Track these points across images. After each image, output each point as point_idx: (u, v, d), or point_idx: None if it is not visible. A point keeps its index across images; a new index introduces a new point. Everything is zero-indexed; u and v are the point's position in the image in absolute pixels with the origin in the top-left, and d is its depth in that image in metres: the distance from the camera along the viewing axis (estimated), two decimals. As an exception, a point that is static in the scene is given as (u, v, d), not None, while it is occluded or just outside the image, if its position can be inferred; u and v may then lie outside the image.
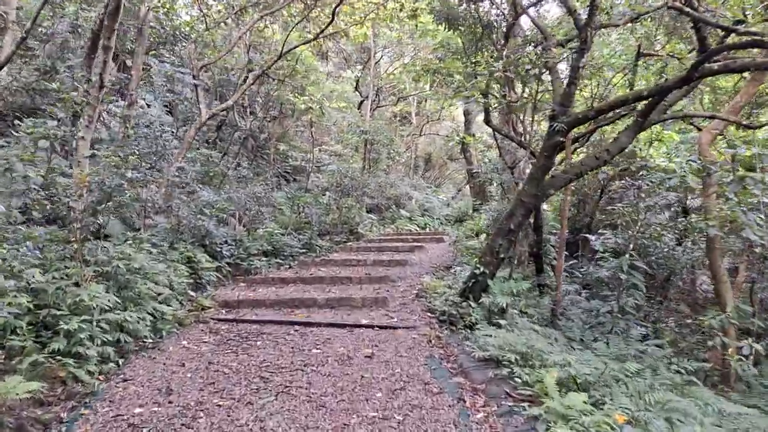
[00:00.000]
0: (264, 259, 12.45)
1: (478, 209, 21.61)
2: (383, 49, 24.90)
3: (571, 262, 12.08)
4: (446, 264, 12.98)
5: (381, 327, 7.32)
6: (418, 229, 22.72)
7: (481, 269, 7.75)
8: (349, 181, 18.06)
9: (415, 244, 16.06)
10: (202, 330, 7.32)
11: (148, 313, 6.94)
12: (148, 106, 18.09)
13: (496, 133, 13.75)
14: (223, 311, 8.17)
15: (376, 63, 24.43)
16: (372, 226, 19.79)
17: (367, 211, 20.30)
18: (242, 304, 8.44)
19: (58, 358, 5.19)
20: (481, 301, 7.74)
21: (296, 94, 17.77)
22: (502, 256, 7.84)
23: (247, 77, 19.20)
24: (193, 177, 13.80)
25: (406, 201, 25.60)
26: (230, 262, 11.51)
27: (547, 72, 10.00)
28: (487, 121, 11.78)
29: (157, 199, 11.04)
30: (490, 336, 5.86)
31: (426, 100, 29.77)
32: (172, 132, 16.71)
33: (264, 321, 7.52)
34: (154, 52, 15.92)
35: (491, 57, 12.14)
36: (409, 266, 12.48)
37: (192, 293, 9.19)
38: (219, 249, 11.30)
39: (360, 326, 7.33)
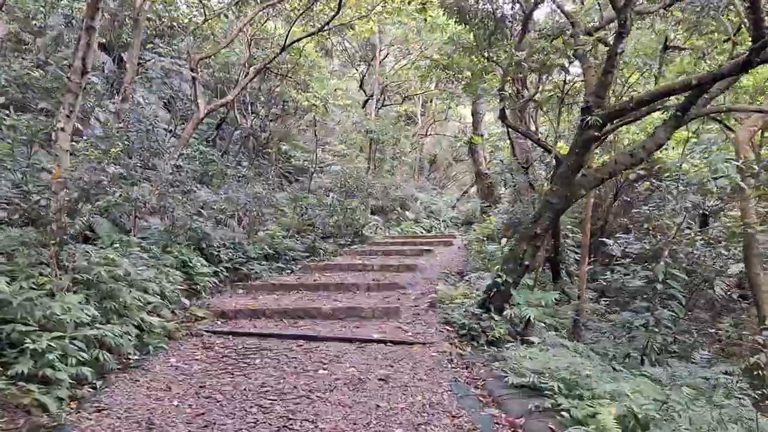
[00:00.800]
0: (265, 263, 11.69)
1: (486, 212, 20.83)
2: (389, 46, 24.15)
3: (586, 268, 11.32)
4: (458, 269, 12.21)
5: (395, 342, 6.54)
6: (423, 231, 21.96)
7: (504, 277, 6.98)
8: (354, 182, 17.31)
9: (424, 247, 15.29)
10: (195, 344, 6.54)
11: (134, 326, 6.17)
12: (146, 102, 17.38)
13: (510, 131, 12.99)
14: (219, 322, 7.39)
15: (381, 61, 23.69)
16: (377, 228, 19.05)
17: (372, 213, 19.55)
18: (240, 313, 7.66)
19: (21, 383, 4.42)
20: (504, 312, 6.97)
21: (299, 91, 17.01)
22: (526, 263, 7.07)
23: (248, 72, 18.52)
24: (191, 176, 13.06)
25: (411, 203, 24.86)
26: (228, 266, 10.74)
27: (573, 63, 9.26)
28: (503, 118, 11.01)
29: (150, 199, 10.28)
30: (525, 357, 5.09)
31: (432, 100, 29.04)
32: (169, 130, 16.01)
33: (264, 334, 6.74)
34: (150, 45, 15.18)
35: (505, 51, 11.41)
36: (419, 271, 11.71)
37: (186, 301, 8.41)
38: (216, 252, 10.54)
39: (371, 341, 6.55)
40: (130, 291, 6.45)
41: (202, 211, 10.97)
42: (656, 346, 7.21)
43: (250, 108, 19.55)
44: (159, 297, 7.79)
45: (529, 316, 6.56)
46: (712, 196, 10.02)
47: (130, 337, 5.94)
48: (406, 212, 23.43)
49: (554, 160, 10.68)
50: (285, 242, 12.81)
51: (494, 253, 12.68)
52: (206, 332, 6.78)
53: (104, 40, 15.20)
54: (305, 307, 7.77)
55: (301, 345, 6.48)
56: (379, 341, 6.53)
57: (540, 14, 12.35)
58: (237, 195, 11.95)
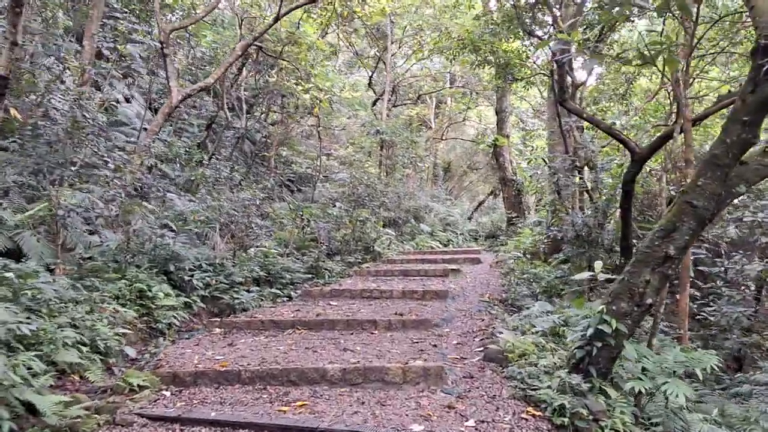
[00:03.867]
0: (255, 289, 9.15)
1: (514, 223, 18.28)
2: (401, 40, 21.70)
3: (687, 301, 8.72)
4: (498, 295, 9.64)
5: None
6: (440, 246, 19.40)
7: (613, 325, 4.39)
8: (365, 190, 14.77)
9: (448, 266, 12.72)
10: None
11: (4, 418, 3.62)
12: (128, 100, 14.95)
13: (561, 122, 10.45)
14: (168, 394, 4.78)
15: (392, 55, 21.24)
16: (390, 243, 16.49)
17: (383, 226, 17.02)
18: (202, 378, 5.04)
19: None
20: (616, 381, 4.39)
21: (300, 81, 14.50)
22: (648, 301, 4.49)
23: (243, 69, 16.16)
24: (168, 181, 10.59)
25: (425, 214, 22.32)
26: (205, 295, 8.20)
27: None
28: (563, 101, 8.47)
29: (101, 208, 7.76)
30: None
31: (448, 100, 26.54)
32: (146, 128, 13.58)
33: (232, 424, 4.13)
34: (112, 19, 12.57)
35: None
36: (451, 299, 9.14)
37: (131, 351, 5.86)
38: (189, 277, 8.00)
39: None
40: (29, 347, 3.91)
41: (171, 223, 8.44)
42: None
43: (244, 106, 17.06)
44: (87, 347, 5.29)
45: (681, 396, 3.95)
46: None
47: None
48: (421, 224, 20.88)
49: (631, 155, 8.16)
50: (281, 262, 10.27)
51: (544, 277, 10.12)
52: (139, 418, 4.18)
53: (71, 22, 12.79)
54: (302, 366, 5.16)
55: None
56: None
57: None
58: (219, 203, 9.42)
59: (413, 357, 5.62)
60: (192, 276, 8.04)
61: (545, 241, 11.52)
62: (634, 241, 8.43)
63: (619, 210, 9.05)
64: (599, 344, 4.48)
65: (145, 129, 14.71)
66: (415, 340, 6.45)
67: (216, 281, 8.48)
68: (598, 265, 5.25)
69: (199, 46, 15.04)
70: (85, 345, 5.26)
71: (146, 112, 13.04)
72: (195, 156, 13.42)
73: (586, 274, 5.27)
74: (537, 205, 20.52)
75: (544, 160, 12.71)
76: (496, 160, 19.99)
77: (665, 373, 4.23)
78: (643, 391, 4.13)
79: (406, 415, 4.19)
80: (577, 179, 11.26)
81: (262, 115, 17.85)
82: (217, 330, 7.07)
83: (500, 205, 33.48)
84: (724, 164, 4.16)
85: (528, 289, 9.82)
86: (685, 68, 5.83)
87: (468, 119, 27.00)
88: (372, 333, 6.89)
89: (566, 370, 4.58)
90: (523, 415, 4.11)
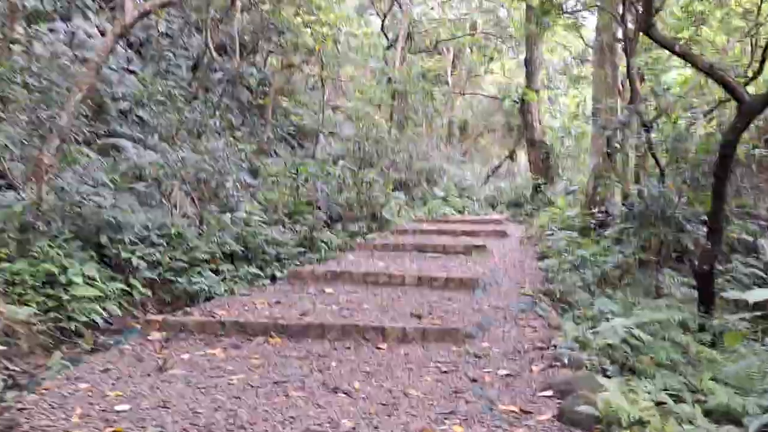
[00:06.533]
0: (227, 268, 7.01)
1: (542, 190, 15.99)
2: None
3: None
4: (540, 285, 7.47)
5: None
6: (455, 213, 17.19)
7: None
8: (373, 146, 12.49)
9: (470, 240, 10.59)
10: None
11: None
12: (102, 35, 12.55)
13: (630, 70, 8.08)
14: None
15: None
16: (400, 209, 14.29)
17: (392, 189, 14.81)
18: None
19: None
20: None
21: (300, 11, 12.04)
22: None
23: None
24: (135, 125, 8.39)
25: (438, 177, 20.02)
26: (152, 277, 6.06)
27: None
28: (649, 27, 6.09)
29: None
30: None
31: (469, 51, 23.85)
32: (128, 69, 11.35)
33: None
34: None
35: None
36: (481, 290, 6.98)
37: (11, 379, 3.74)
38: (129, 254, 5.84)
39: None
40: None
41: (106, 177, 6.24)
42: None
43: (237, 45, 14.61)
44: None
45: None
46: None
47: None
48: (434, 188, 18.64)
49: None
50: (265, 231, 8.10)
51: (595, 261, 7.92)
52: None
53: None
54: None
55: None
56: None
57: None
58: (181, 153, 7.18)
59: (444, 410, 3.46)
60: (134, 251, 5.88)
61: (595, 214, 9.24)
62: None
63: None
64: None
65: (125, 68, 12.43)
66: (442, 366, 4.30)
67: (170, 258, 6.33)
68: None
69: None
70: None
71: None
72: (177, 101, 11.09)
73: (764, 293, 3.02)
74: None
75: (594, 114, 10.34)
76: (523, 117, 17.55)
77: None
78: None
79: None
80: (636, 139, 8.95)
81: (257, 57, 15.46)
82: (156, 335, 4.92)
83: (515, 170, 31.17)
84: None
85: (578, 277, 7.63)
86: None
87: (490, 72, 24.34)
88: (378, 348, 4.74)
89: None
90: None
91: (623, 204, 9.16)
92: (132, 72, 12.13)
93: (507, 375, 4.15)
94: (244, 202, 8.90)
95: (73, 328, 4.86)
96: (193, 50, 15.07)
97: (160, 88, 10.09)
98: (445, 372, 4.17)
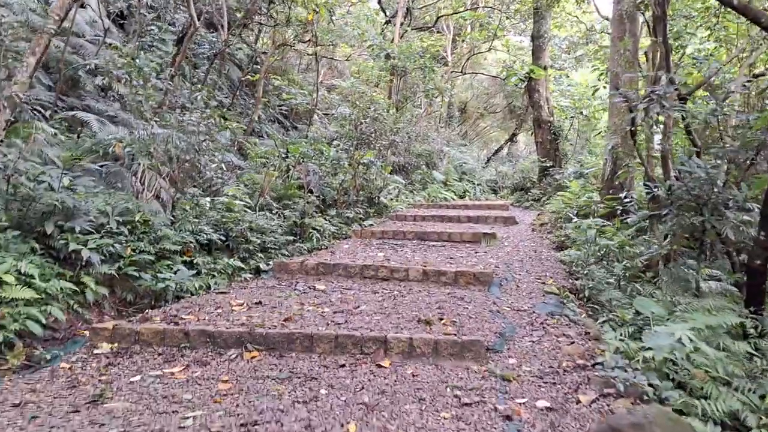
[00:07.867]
0: (203, 260, 6.04)
1: (550, 173, 15.02)
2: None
3: None
4: (564, 280, 6.54)
5: None
6: (455, 198, 16.22)
7: None
8: (371, 124, 11.47)
9: (477, 228, 9.68)
10: None
11: None
12: (82, 6, 11.43)
13: (665, 39, 7.06)
14: None
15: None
16: (399, 193, 13.33)
17: (390, 172, 13.81)
18: None
19: None
20: None
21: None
22: None
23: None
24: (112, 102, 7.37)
25: (437, 160, 19.01)
26: (110, 273, 5.07)
27: None
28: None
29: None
30: None
31: (470, 28, 22.73)
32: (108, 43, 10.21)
33: None
34: None
35: None
36: (497, 287, 6.04)
37: None
38: (80, 244, 4.84)
39: None
40: None
41: (55, 157, 5.23)
42: None
43: (226, 18, 13.48)
44: None
45: None
46: None
47: None
48: (434, 172, 17.63)
49: None
50: (249, 217, 7.11)
51: (621, 252, 6.98)
52: None
53: None
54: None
55: None
56: None
57: None
58: (151, 129, 6.16)
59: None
60: (86, 241, 4.89)
61: (621, 199, 8.25)
62: None
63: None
64: None
65: (103, 41, 11.38)
66: (462, 396, 3.35)
67: (134, 250, 5.34)
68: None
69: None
70: None
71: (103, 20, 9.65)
72: (160, 75, 10.00)
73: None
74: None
75: (617, 88, 9.32)
76: (530, 96, 16.52)
77: None
78: None
79: None
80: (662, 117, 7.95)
81: (249, 33, 14.35)
82: (105, 347, 3.96)
83: (516, 153, 30.15)
84: None
85: (606, 271, 6.68)
86: None
87: (494, 50, 23.18)
88: (379, 366, 3.79)
89: None
90: None
91: (647, 187, 8.21)
92: (111, 45, 11.07)
93: (548, 409, 3.21)
94: (229, 186, 7.90)
95: (0, 339, 3.88)
96: (180, 25, 14.00)
97: (138, 62, 9.04)
98: (468, 405, 3.22)
